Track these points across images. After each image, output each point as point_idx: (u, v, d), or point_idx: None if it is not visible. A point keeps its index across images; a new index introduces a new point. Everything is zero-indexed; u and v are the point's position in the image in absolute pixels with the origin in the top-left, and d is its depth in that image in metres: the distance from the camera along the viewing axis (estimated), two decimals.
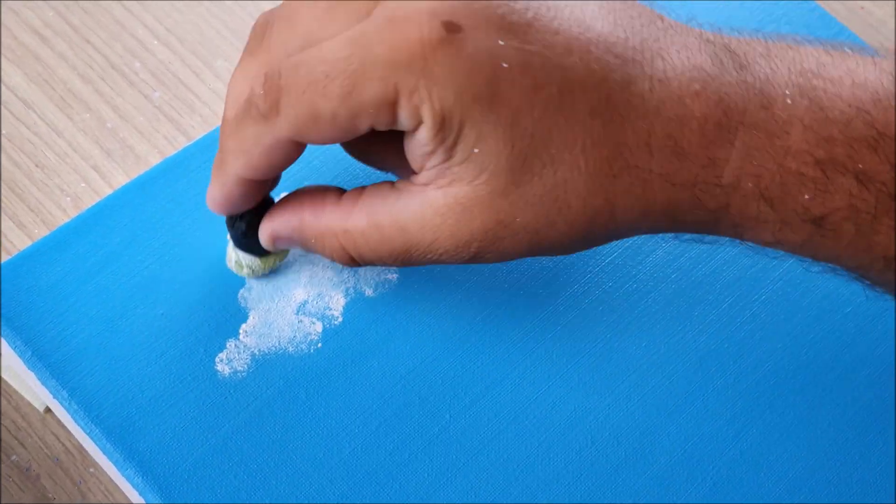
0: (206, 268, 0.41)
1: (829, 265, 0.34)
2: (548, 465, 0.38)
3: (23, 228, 0.47)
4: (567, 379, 0.40)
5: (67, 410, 0.39)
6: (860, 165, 0.31)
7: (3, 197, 0.47)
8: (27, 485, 0.42)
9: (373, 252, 0.34)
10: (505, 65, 0.31)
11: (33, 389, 0.41)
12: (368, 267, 0.41)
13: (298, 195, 0.36)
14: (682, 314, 0.42)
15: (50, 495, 0.42)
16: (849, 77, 0.32)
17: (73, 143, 0.48)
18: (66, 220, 0.44)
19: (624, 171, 0.32)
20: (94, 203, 0.42)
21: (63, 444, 0.43)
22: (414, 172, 0.33)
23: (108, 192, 0.47)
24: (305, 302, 0.40)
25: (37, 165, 0.48)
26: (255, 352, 0.39)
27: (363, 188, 0.35)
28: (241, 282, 0.41)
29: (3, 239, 0.46)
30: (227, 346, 0.39)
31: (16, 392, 0.44)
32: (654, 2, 0.34)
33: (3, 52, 0.50)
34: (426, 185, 0.33)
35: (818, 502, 0.39)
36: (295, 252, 0.41)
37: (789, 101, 0.32)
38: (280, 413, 0.38)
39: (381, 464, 0.38)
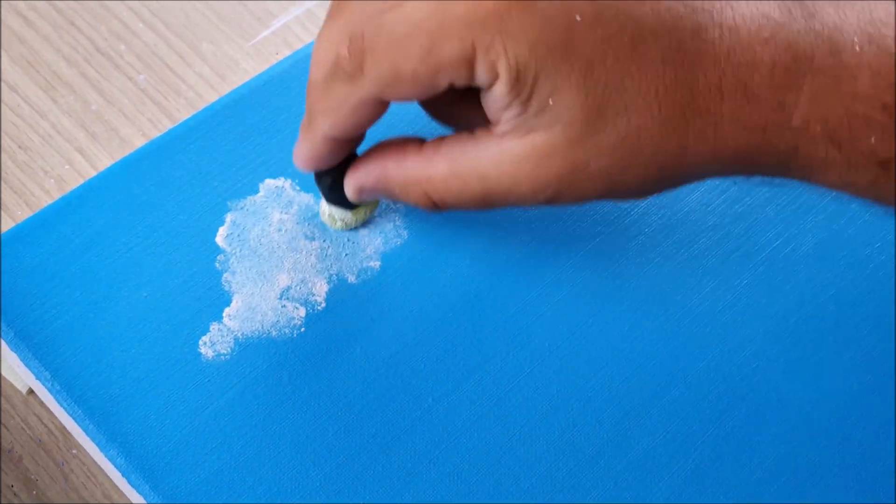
0: (190, 250, 0.41)
1: (893, 207, 0.35)
2: (530, 447, 0.39)
3: (6, 210, 0.46)
4: (548, 362, 0.40)
5: (50, 392, 0.39)
6: None
7: None
8: (10, 466, 0.42)
9: (454, 197, 0.36)
10: (578, 17, 0.32)
11: (16, 371, 0.41)
12: (351, 255, 0.41)
13: (381, 147, 0.38)
14: (664, 298, 0.42)
15: (33, 477, 0.42)
16: None
17: (57, 126, 0.48)
18: (50, 202, 0.44)
19: (696, 115, 0.33)
20: (78, 185, 0.42)
21: (46, 426, 0.43)
22: (489, 124, 0.35)
23: (93, 174, 0.47)
24: (289, 287, 0.40)
25: (20, 147, 0.48)
26: (239, 335, 0.39)
27: (443, 138, 0.36)
28: (224, 266, 0.41)
29: None
30: (211, 328, 0.39)
31: None
32: None
33: None
34: (503, 135, 0.34)
35: (801, 486, 0.39)
36: (285, 236, 0.41)
37: (857, 49, 0.33)
38: (263, 396, 0.39)
39: (363, 447, 0.38)
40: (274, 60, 0.51)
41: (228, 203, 0.42)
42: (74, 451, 0.42)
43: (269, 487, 0.37)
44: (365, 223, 0.42)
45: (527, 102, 0.33)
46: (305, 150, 0.37)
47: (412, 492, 0.38)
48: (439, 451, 0.38)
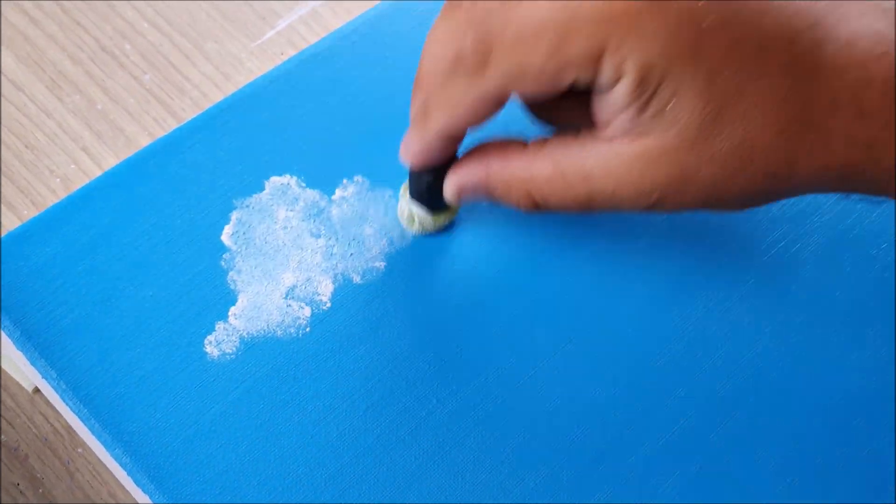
0: (196, 249, 0.41)
1: None
2: (534, 448, 0.39)
3: (12, 209, 0.46)
4: (554, 364, 0.40)
5: (56, 391, 0.39)
6: None
7: None
8: (15, 465, 0.42)
9: (557, 198, 0.36)
10: (707, 22, 0.32)
11: (22, 370, 0.41)
12: (356, 254, 0.41)
13: (483, 147, 0.37)
14: (670, 299, 0.42)
15: (38, 475, 0.42)
16: None
17: (62, 125, 0.48)
18: (56, 201, 0.44)
19: (808, 129, 0.33)
20: (83, 184, 0.42)
21: (52, 425, 0.43)
22: (597, 127, 0.35)
23: (98, 173, 0.47)
24: (294, 286, 0.40)
25: (26, 146, 0.48)
26: (244, 334, 0.40)
27: (546, 138, 0.36)
28: (230, 264, 0.41)
29: None
30: (216, 327, 0.40)
31: (5, 372, 0.44)
32: None
33: None
34: (612, 138, 0.34)
35: (805, 486, 0.39)
36: (291, 234, 0.41)
37: None
38: (268, 395, 0.39)
39: (368, 447, 0.38)
40: (279, 60, 0.51)
41: (234, 201, 0.42)
42: (80, 450, 0.42)
43: (273, 487, 0.37)
44: (437, 231, 0.42)
45: (646, 105, 0.33)
46: (417, 146, 0.37)
47: (416, 493, 0.38)
48: (444, 452, 0.38)
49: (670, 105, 0.32)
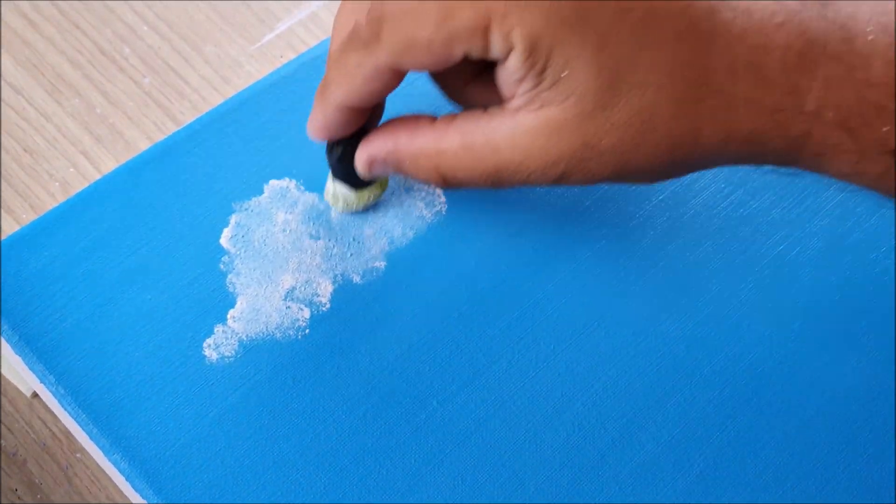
0: (195, 253, 0.41)
1: None
2: (534, 451, 0.39)
3: (11, 213, 0.46)
4: (554, 366, 0.40)
5: (54, 395, 0.39)
6: None
7: None
8: (13, 469, 0.42)
9: (465, 172, 0.36)
10: None
11: (20, 374, 0.41)
12: (356, 255, 0.41)
13: (393, 121, 0.38)
14: (669, 302, 0.42)
15: (36, 480, 0.42)
16: None
17: (62, 129, 0.48)
18: (55, 205, 0.44)
19: (709, 95, 0.33)
20: (82, 188, 0.42)
21: (50, 429, 0.43)
22: (503, 100, 0.35)
23: (97, 177, 0.47)
24: (293, 288, 0.40)
25: (25, 150, 0.48)
26: (243, 337, 0.39)
27: (455, 114, 0.36)
28: (228, 267, 0.41)
29: None
30: (215, 331, 0.39)
31: (3, 377, 0.44)
32: None
33: None
34: (517, 109, 0.34)
35: (805, 490, 0.39)
36: (290, 236, 0.41)
37: (871, 38, 0.33)
38: (267, 398, 0.38)
39: (367, 450, 0.38)
40: (278, 63, 0.51)
41: (233, 205, 0.42)
42: (78, 455, 0.42)
43: (272, 491, 0.37)
44: (367, 208, 0.42)
45: (541, 75, 0.33)
46: (319, 118, 0.37)
47: (417, 495, 0.37)
48: (444, 453, 0.38)
49: (565, 73, 0.32)
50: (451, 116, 0.36)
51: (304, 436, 0.38)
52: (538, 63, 0.33)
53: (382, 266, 0.41)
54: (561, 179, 0.35)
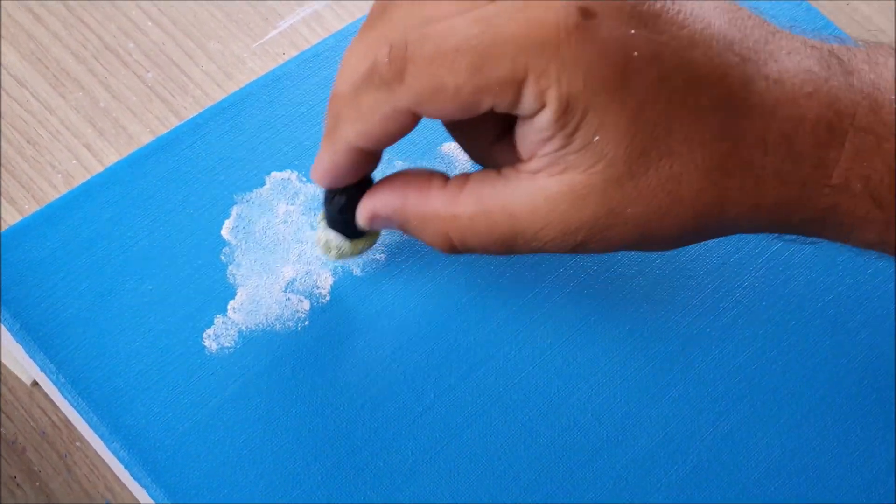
0: (196, 244, 0.41)
1: None
2: (530, 444, 0.39)
3: (14, 204, 0.47)
4: (551, 360, 0.40)
5: (55, 384, 0.39)
6: None
7: None
8: (13, 457, 0.42)
9: (477, 238, 0.34)
10: (635, 54, 0.31)
11: (21, 363, 0.42)
12: None
13: (403, 175, 0.36)
14: (665, 298, 0.42)
15: (35, 468, 0.42)
16: None
17: (65, 121, 0.49)
18: (57, 196, 0.44)
19: (739, 167, 0.32)
20: (85, 180, 0.43)
21: (50, 418, 0.43)
22: (520, 160, 0.33)
23: (100, 170, 0.47)
24: (294, 280, 0.41)
25: (29, 142, 0.48)
26: (243, 328, 0.40)
27: (468, 174, 0.34)
28: (229, 258, 0.41)
29: None
30: (215, 321, 0.40)
31: (3, 366, 0.44)
32: None
33: None
34: (536, 171, 0.32)
35: (798, 486, 0.39)
36: (291, 227, 0.41)
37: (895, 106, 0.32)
38: (266, 389, 0.39)
39: (364, 441, 0.38)
40: (280, 61, 0.51)
41: (234, 196, 0.42)
42: (78, 444, 0.43)
43: (270, 480, 0.37)
44: (360, 256, 0.40)
45: (571, 136, 0.31)
46: (326, 161, 0.35)
47: (413, 487, 0.38)
48: (440, 447, 0.38)
49: (597, 138, 0.31)
50: (464, 178, 0.34)
51: (301, 426, 0.38)
52: (570, 124, 0.31)
53: (382, 258, 0.42)
54: (578, 247, 0.33)
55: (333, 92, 0.34)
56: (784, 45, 0.33)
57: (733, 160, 0.32)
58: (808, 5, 0.49)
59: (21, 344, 0.39)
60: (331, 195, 0.37)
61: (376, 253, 0.41)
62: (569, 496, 0.38)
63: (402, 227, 0.36)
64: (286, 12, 0.53)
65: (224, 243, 0.41)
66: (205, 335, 0.39)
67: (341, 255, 0.39)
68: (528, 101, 0.31)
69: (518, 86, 0.31)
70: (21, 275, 0.40)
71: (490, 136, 0.35)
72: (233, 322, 0.40)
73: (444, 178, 0.35)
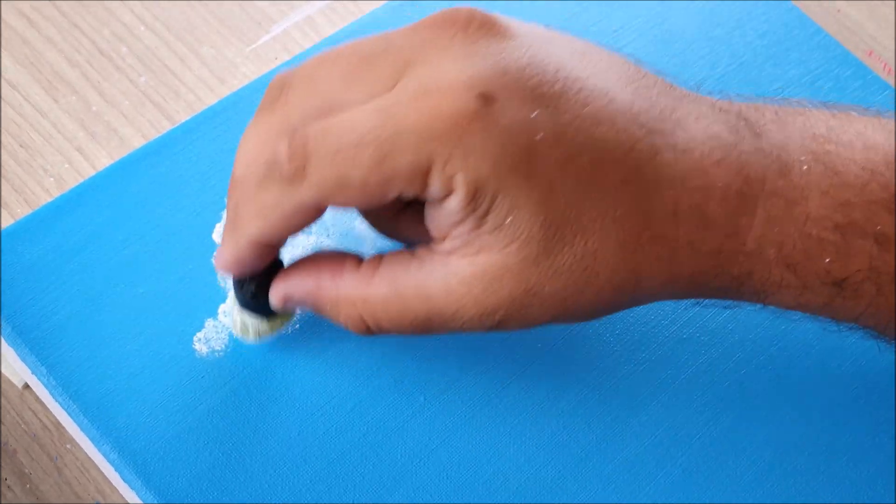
0: (187, 247, 0.41)
1: (848, 325, 0.35)
2: (519, 448, 0.39)
3: (6, 207, 0.47)
4: (540, 364, 0.40)
5: (46, 387, 0.39)
6: (878, 227, 0.32)
7: None
8: (4, 460, 0.42)
9: (391, 321, 0.34)
10: (539, 136, 0.31)
11: (12, 365, 0.42)
12: (348, 249, 0.41)
13: (315, 258, 0.36)
14: (654, 303, 0.42)
15: (27, 471, 0.42)
16: (859, 140, 0.33)
17: (57, 125, 0.49)
18: (49, 200, 0.44)
19: (652, 240, 0.32)
20: (77, 184, 0.43)
21: (41, 421, 0.43)
22: (432, 239, 0.33)
23: (92, 173, 0.47)
24: None
25: (21, 145, 0.48)
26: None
27: (381, 256, 0.34)
28: None
29: None
30: (206, 325, 0.40)
31: None
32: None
33: None
34: (450, 253, 0.32)
35: (788, 488, 0.39)
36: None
37: (805, 168, 0.32)
38: (256, 393, 0.39)
39: (354, 444, 0.38)
40: (273, 65, 0.51)
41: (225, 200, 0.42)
42: (68, 446, 0.43)
43: (260, 484, 0.37)
44: (280, 332, 0.40)
45: (482, 218, 0.31)
46: (229, 254, 0.34)
47: (403, 490, 0.38)
48: (430, 450, 0.39)
49: (509, 219, 0.31)
50: (377, 259, 0.34)
51: (291, 430, 0.38)
52: (481, 207, 0.31)
53: None
54: (497, 326, 0.33)
55: (233, 178, 0.34)
56: (692, 110, 0.33)
57: (647, 234, 0.32)
58: (800, 12, 0.49)
59: (12, 347, 0.39)
60: (240, 282, 0.36)
61: (367, 255, 0.41)
62: (559, 498, 0.38)
63: (316, 310, 0.36)
64: (279, 17, 0.53)
65: (215, 247, 0.41)
66: (195, 339, 0.40)
67: (260, 336, 0.38)
68: (435, 188, 0.31)
69: (423, 175, 0.31)
70: (13, 278, 0.40)
71: (393, 210, 0.35)
72: (223, 326, 0.40)
73: (358, 259, 0.35)
